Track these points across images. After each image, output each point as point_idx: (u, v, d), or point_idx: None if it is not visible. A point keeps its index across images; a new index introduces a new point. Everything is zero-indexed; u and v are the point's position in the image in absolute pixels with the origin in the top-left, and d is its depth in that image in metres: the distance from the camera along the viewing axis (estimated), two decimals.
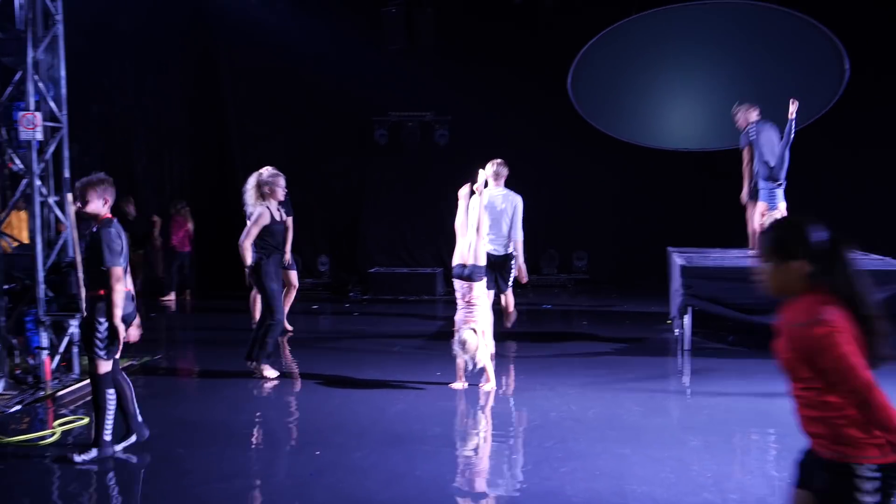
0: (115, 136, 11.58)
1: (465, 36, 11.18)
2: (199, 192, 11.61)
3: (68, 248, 6.25)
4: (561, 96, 11.27)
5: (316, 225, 11.46)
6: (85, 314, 4.44)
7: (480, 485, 4.15)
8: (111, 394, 4.34)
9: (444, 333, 7.75)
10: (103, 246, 4.22)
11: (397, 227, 11.74)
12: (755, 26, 10.86)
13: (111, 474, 4.20)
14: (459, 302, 5.77)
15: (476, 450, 4.72)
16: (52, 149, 6.17)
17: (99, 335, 4.27)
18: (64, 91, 6.28)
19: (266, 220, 6.08)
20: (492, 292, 6.82)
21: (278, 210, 6.30)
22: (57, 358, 5.92)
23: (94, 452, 4.30)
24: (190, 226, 10.61)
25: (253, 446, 4.66)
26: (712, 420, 5.04)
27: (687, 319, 7.01)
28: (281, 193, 6.25)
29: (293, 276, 7.72)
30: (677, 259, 7.66)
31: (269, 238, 6.15)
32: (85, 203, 4.32)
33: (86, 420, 5.05)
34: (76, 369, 6.08)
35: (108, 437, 4.32)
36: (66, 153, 6.30)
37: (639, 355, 6.97)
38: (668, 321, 8.21)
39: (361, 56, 11.17)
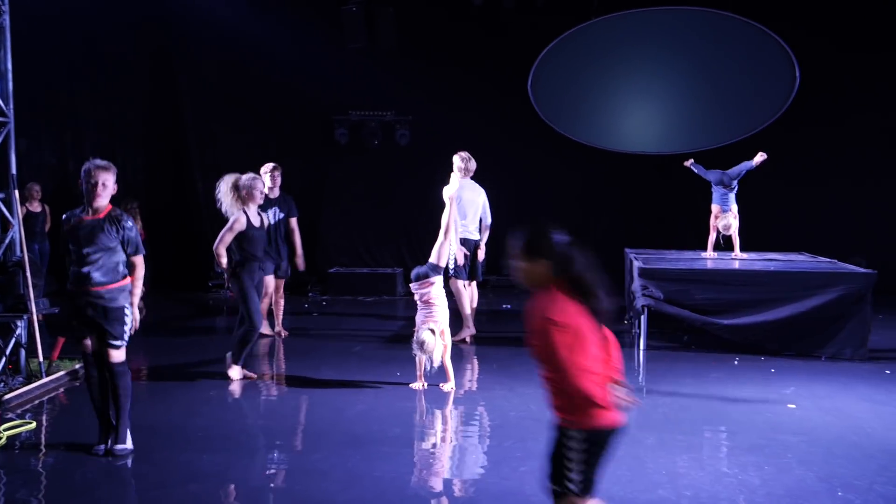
0: (65, 133, 11.28)
1: (426, 36, 11.18)
2: (153, 191, 11.38)
3: (15, 247, 6.06)
4: (521, 97, 11.35)
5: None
6: (109, 304, 4.29)
7: (439, 485, 4.16)
8: (130, 378, 4.41)
9: (404, 334, 7.74)
10: (135, 234, 4.36)
11: (357, 226, 11.67)
12: (711, 33, 11.11)
13: (61, 479, 4.09)
14: (418, 303, 5.78)
15: (435, 450, 4.73)
16: None
17: (126, 323, 4.32)
18: (10, 84, 6.09)
19: (241, 226, 5.87)
20: (467, 282, 7.54)
21: (259, 215, 6.13)
22: (3, 360, 5.73)
23: (129, 441, 4.36)
24: (139, 225, 10.37)
25: (209, 450, 4.58)
26: (667, 419, 5.14)
27: (643, 319, 7.14)
28: (259, 198, 6.07)
29: (269, 280, 7.15)
30: (634, 260, 7.79)
31: (247, 245, 5.93)
32: (103, 188, 4.29)
33: (33, 424, 4.90)
34: (23, 372, 5.89)
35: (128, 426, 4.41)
36: (12, 149, 6.11)
37: None
38: (626, 321, 8.34)
39: (322, 54, 11.08)
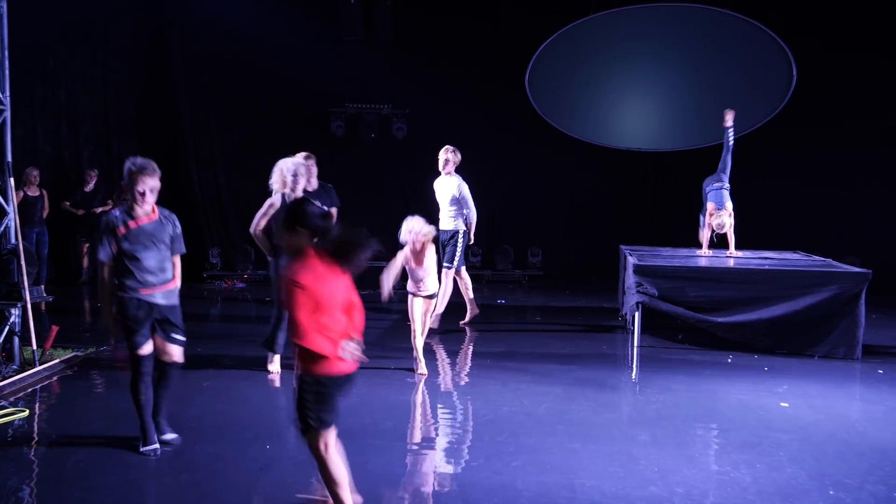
0: (61, 121, 11.22)
1: (424, 28, 11.14)
2: None
3: (9, 235, 6.03)
4: (519, 92, 11.34)
5: None
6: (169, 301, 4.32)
7: (431, 479, 4.16)
8: None
9: (399, 327, 7.74)
10: (180, 233, 4.40)
11: (354, 219, 11.62)
12: (708, 30, 11.11)
13: (53, 467, 4.08)
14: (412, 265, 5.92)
15: (428, 444, 4.73)
16: None
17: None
18: (7, 72, 6.05)
19: (274, 211, 5.67)
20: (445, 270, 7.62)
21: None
22: None
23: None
24: None
25: (201, 440, 4.57)
26: (660, 415, 5.16)
27: (638, 316, 7.15)
28: (296, 184, 5.74)
29: None
30: (630, 257, 7.79)
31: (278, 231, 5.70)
32: (151, 194, 4.20)
33: (26, 412, 4.89)
34: (16, 360, 5.87)
35: None
36: (8, 136, 6.08)
37: (590, 351, 7.08)
38: (620, 317, 8.36)
39: (319, 46, 11.04)
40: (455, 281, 7.84)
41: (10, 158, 6.06)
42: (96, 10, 10.74)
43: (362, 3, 10.75)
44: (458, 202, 7.69)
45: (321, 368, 3.20)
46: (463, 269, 7.90)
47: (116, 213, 4.28)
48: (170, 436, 4.41)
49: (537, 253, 11.77)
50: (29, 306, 5.84)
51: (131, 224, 4.20)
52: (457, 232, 7.71)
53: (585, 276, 11.31)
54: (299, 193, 5.73)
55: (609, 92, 11.41)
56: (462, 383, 6.01)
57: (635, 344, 7.15)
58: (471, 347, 7.22)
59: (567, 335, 7.76)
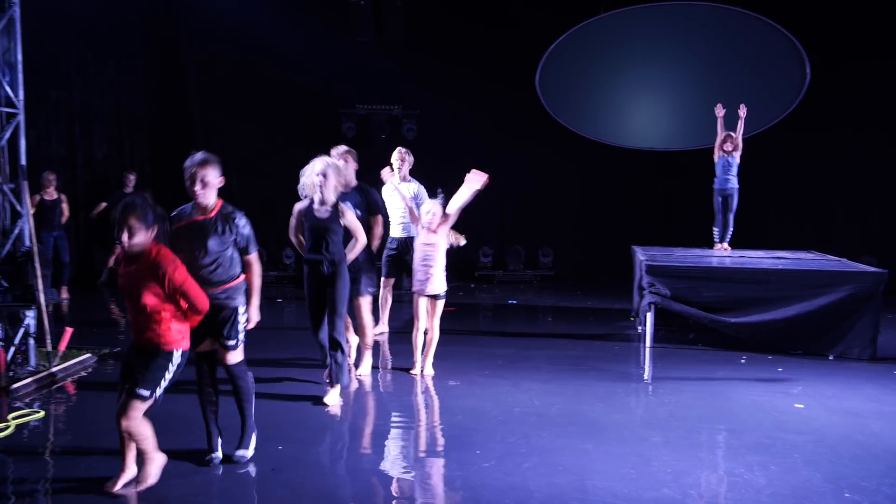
0: (74, 123, 11.31)
1: (434, 29, 11.15)
2: (161, 182, 11.40)
3: (24, 238, 6.08)
4: (529, 91, 11.32)
5: (280, 217, 11.33)
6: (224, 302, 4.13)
7: (442, 480, 4.16)
8: (251, 378, 4.31)
9: (408, 327, 7.73)
10: (248, 231, 4.19)
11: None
12: (720, 29, 11.05)
13: (68, 468, 4.11)
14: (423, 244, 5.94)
15: (438, 445, 4.73)
16: (7, 135, 6.00)
17: (239, 322, 4.17)
18: (21, 76, 6.10)
19: (294, 215, 5.27)
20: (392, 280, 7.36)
21: (322, 205, 5.15)
22: (12, 350, 5.76)
23: (252, 447, 4.25)
24: None
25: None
26: (672, 416, 5.13)
27: (650, 317, 7.11)
28: (325, 185, 5.10)
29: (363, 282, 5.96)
30: (641, 257, 7.76)
31: (303, 238, 5.25)
32: (203, 186, 4.11)
33: (41, 413, 4.92)
34: (32, 362, 5.92)
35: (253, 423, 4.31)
36: (22, 140, 6.13)
37: (602, 351, 7.05)
38: (632, 318, 8.32)
39: (329, 47, 11.06)
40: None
41: (24, 162, 6.11)
42: (108, 12, 10.82)
43: (372, 5, 10.76)
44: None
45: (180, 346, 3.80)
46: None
47: (185, 208, 4.27)
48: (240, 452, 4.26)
49: (548, 253, 11.74)
50: (44, 308, 5.89)
51: (184, 220, 4.14)
52: (412, 238, 6.70)
53: (597, 277, 11.28)
54: (329, 196, 5.14)
55: (620, 91, 11.37)
56: (473, 384, 5.99)
57: (647, 344, 7.12)
58: (482, 348, 7.21)
59: (578, 336, 7.74)
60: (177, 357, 3.79)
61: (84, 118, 11.30)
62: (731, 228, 8.75)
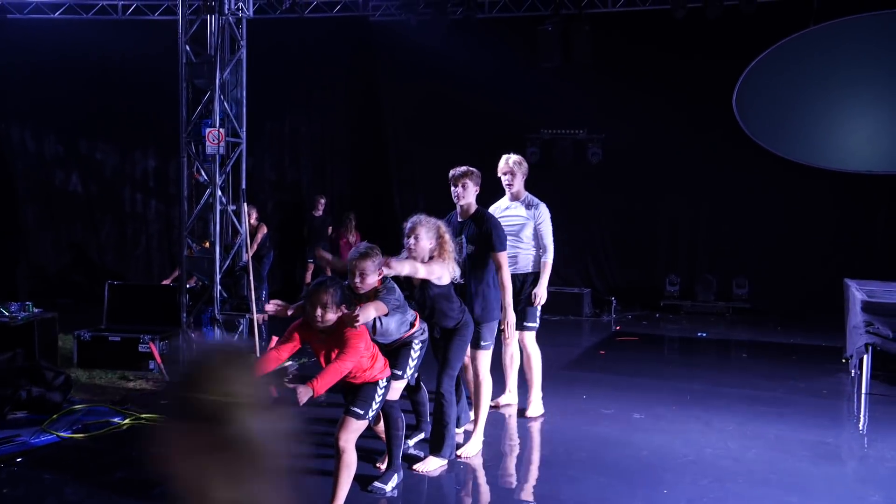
0: (284, 152, 12.46)
1: (622, 52, 10.90)
2: (360, 204, 12.20)
3: (242, 253, 6.75)
4: (721, 112, 10.68)
5: None
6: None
7: None
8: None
9: (588, 356, 7.52)
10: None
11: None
12: None
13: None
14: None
15: (623, 479, 4.50)
16: (231, 162, 6.71)
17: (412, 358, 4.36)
18: (245, 111, 6.83)
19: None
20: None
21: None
22: None
23: (392, 483, 4.18)
24: (352, 237, 11.06)
25: None
26: (895, 474, 4.49)
27: (866, 359, 6.34)
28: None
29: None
30: (857, 293, 6.97)
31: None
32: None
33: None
34: None
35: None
36: (243, 166, 6.83)
37: (807, 395, 6.38)
38: (844, 360, 7.47)
39: (515, 74, 11.22)
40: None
41: (244, 185, 6.81)
42: (315, 52, 11.84)
43: (560, 31, 10.77)
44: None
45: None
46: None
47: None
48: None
49: (743, 284, 10.92)
50: (255, 318, 6.48)
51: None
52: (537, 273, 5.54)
53: (801, 312, 10.27)
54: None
55: (832, 109, 10.38)
56: (660, 419, 5.67)
57: (864, 391, 6.33)
58: (668, 381, 6.82)
59: (779, 375, 7.06)
60: (382, 384, 3.90)
61: (293, 146, 12.43)
62: None
